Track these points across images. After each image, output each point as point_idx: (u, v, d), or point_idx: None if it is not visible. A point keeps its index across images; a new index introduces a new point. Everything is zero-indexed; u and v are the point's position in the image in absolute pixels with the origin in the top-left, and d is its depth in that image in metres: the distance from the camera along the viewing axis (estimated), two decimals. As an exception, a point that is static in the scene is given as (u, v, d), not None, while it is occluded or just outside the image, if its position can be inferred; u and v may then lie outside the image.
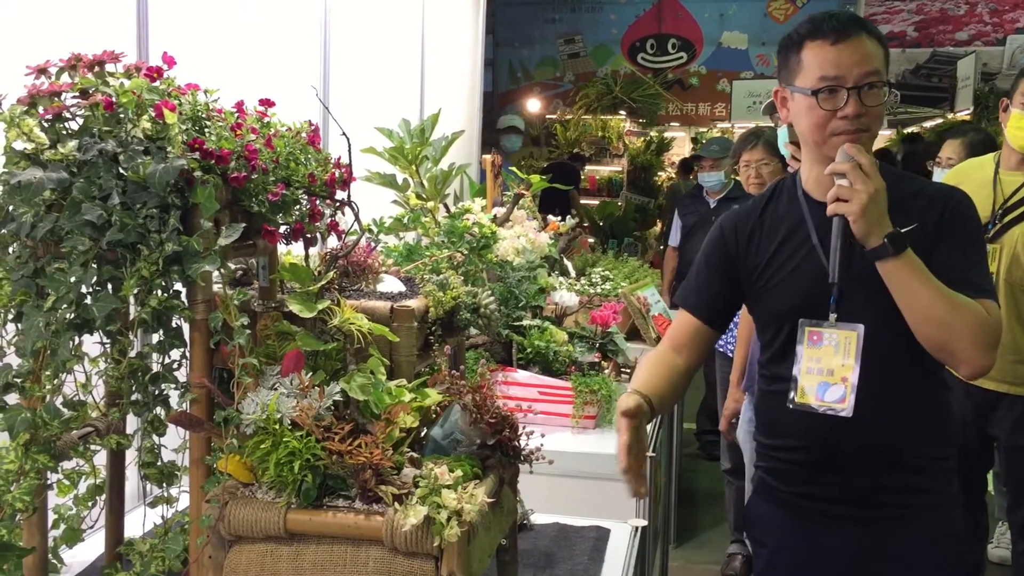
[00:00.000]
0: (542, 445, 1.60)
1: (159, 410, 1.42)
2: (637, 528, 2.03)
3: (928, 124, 10.50)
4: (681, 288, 1.94)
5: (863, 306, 1.67)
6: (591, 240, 6.61)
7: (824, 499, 1.76)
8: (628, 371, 3.16)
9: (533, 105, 10.62)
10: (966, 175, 2.98)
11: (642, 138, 11.27)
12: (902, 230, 1.59)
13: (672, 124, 11.76)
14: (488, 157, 3.79)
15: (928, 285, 1.58)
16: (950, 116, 10.05)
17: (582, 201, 9.16)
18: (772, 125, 3.71)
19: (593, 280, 3.72)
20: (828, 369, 1.70)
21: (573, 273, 3.88)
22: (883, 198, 1.59)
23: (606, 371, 2.95)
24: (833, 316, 1.70)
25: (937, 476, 1.75)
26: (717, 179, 5.10)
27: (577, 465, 2.43)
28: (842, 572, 1.76)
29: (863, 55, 1.64)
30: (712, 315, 1.86)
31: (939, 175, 3.64)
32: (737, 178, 4.93)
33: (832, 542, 1.76)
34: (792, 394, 1.74)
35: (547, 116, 10.77)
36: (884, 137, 10.11)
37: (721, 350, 3.98)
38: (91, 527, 1.57)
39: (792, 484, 1.81)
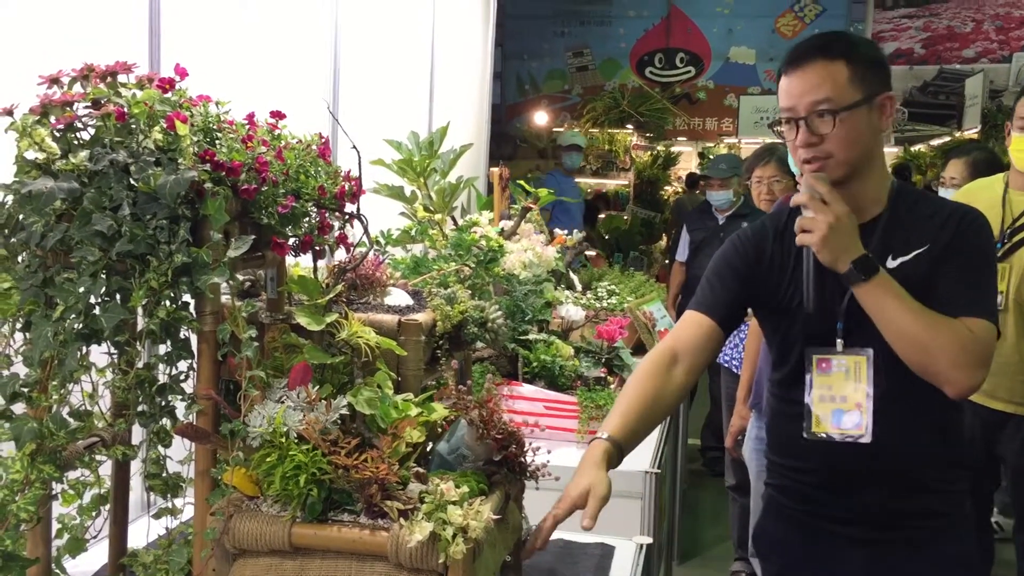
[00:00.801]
0: (548, 461, 1.60)
1: (165, 421, 1.41)
2: (642, 545, 2.02)
3: (935, 142, 10.48)
4: (695, 295, 1.90)
5: (871, 330, 1.66)
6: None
7: (833, 519, 1.75)
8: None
9: (540, 118, 10.64)
10: (974, 195, 2.98)
11: (649, 152, 11.27)
12: (897, 259, 1.62)
13: (679, 138, 11.79)
14: (496, 170, 3.79)
15: (903, 307, 1.58)
16: (958, 134, 10.05)
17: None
18: (781, 141, 3.72)
19: (599, 294, 3.72)
20: (840, 395, 1.69)
21: (579, 287, 3.88)
22: (846, 224, 1.60)
23: (612, 386, 2.94)
24: (840, 342, 1.70)
25: (948, 498, 1.74)
26: (726, 198, 5.08)
27: (582, 481, 2.41)
28: (850, 593, 1.75)
29: (812, 84, 1.64)
30: (725, 317, 1.81)
31: (944, 195, 3.64)
32: (745, 194, 4.93)
33: (841, 562, 1.75)
34: (806, 424, 1.72)
35: (554, 129, 10.78)
36: (891, 155, 10.10)
37: (727, 366, 3.97)
38: (95, 537, 1.57)
39: (802, 503, 1.80)
